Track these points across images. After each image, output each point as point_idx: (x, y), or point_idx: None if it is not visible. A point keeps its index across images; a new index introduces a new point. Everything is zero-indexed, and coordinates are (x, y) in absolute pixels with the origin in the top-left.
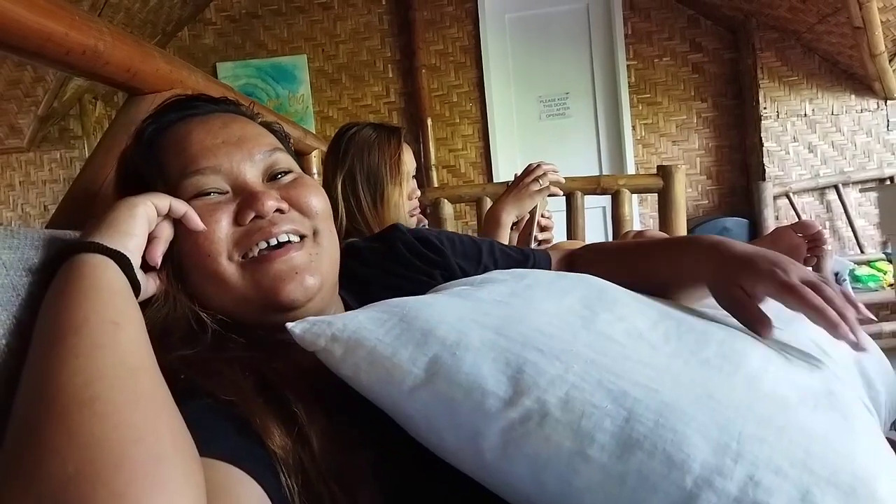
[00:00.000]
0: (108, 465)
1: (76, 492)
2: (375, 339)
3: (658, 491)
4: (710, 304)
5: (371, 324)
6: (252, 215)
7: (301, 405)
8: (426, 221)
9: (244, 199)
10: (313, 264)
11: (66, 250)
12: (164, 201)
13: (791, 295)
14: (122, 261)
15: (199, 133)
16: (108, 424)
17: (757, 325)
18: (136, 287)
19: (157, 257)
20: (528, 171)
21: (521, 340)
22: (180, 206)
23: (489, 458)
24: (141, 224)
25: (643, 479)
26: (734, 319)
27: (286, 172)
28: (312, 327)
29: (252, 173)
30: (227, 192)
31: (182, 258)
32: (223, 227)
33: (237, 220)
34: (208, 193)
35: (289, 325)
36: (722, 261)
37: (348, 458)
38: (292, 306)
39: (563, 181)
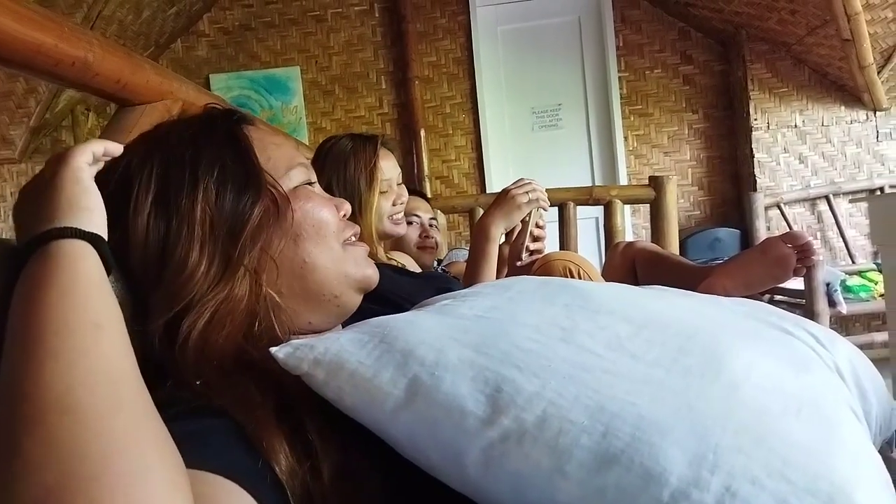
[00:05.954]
0: (88, 477)
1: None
2: (357, 361)
3: None
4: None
5: (352, 346)
6: (344, 211)
7: (315, 432)
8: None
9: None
10: None
11: (38, 238)
12: (98, 147)
13: None
14: (96, 242)
15: (280, 137)
16: (89, 434)
17: None
18: (109, 268)
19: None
20: (518, 183)
21: (500, 357)
22: (108, 144)
23: (472, 475)
24: (94, 190)
25: (622, 493)
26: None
27: None
28: (295, 352)
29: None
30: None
31: (301, 231)
32: (336, 213)
33: None
34: (311, 184)
35: (272, 349)
36: None
37: (357, 486)
38: (374, 286)
39: (547, 207)
